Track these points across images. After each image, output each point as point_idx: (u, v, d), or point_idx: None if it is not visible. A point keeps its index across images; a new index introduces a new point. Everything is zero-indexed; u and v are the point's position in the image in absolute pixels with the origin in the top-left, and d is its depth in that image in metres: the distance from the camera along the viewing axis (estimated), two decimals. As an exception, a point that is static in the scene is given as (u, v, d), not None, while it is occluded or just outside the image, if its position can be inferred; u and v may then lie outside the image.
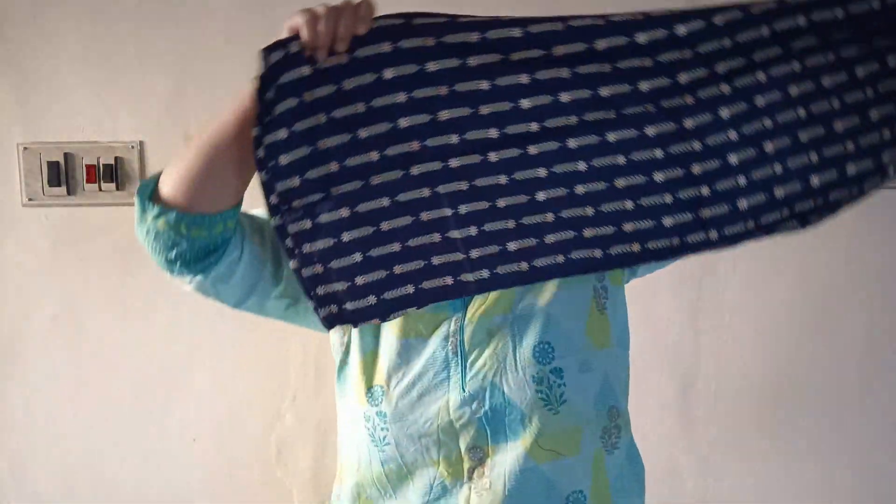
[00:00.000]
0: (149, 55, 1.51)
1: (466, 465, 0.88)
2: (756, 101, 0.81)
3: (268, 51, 0.77)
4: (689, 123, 0.81)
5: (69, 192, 1.54)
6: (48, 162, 1.52)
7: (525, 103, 0.79)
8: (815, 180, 0.84)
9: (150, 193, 0.82)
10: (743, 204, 0.84)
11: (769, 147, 0.83)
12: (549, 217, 0.82)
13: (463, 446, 0.88)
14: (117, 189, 1.53)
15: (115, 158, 1.53)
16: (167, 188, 0.81)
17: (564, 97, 0.79)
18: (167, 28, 1.51)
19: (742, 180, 0.83)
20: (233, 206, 0.83)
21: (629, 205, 0.82)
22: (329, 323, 0.85)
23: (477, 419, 0.87)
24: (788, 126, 0.83)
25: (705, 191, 0.83)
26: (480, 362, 0.88)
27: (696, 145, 0.82)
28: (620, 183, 0.82)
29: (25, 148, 1.53)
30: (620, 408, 0.95)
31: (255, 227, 0.89)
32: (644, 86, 0.79)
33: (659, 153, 0.82)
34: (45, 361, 1.58)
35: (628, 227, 0.83)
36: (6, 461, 1.61)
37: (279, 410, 1.58)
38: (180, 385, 1.58)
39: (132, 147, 1.53)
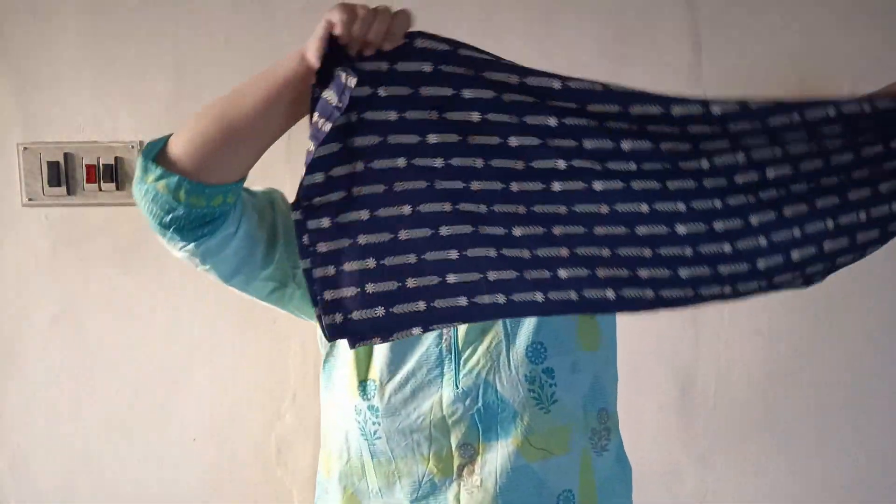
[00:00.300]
0: (149, 55, 1.51)
1: (456, 463, 0.89)
2: (768, 174, 0.86)
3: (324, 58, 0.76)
4: (708, 183, 0.85)
5: (69, 192, 1.54)
6: (48, 162, 1.52)
7: (554, 142, 0.82)
8: (828, 245, 0.89)
9: (156, 155, 0.79)
10: (762, 264, 0.87)
11: (788, 212, 0.87)
12: (565, 252, 0.83)
13: (454, 443, 0.89)
14: (117, 189, 1.53)
15: (115, 158, 1.53)
16: (176, 150, 0.78)
17: (588, 144, 0.82)
18: (167, 28, 1.51)
19: (763, 241, 0.87)
20: (237, 180, 0.81)
21: (647, 252, 0.85)
22: (331, 333, 0.82)
23: (470, 416, 0.88)
24: (805, 194, 0.88)
25: (727, 248, 0.86)
26: (474, 360, 0.89)
27: (718, 203, 0.86)
28: (641, 230, 0.84)
29: (25, 148, 1.53)
30: (610, 410, 0.97)
31: (255, 205, 0.87)
32: (665, 146, 0.83)
33: (682, 206, 0.85)
34: (45, 361, 1.59)
35: (643, 273, 0.85)
36: (6, 461, 1.61)
37: (279, 410, 1.58)
38: (180, 385, 1.58)
39: (132, 147, 1.53)
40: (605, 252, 0.84)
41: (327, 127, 0.75)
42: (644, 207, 0.84)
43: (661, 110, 0.81)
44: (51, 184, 1.52)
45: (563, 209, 0.83)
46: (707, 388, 1.58)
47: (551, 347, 0.90)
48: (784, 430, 1.57)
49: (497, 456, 0.88)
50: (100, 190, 1.53)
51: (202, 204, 0.78)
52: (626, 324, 1.53)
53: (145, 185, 0.78)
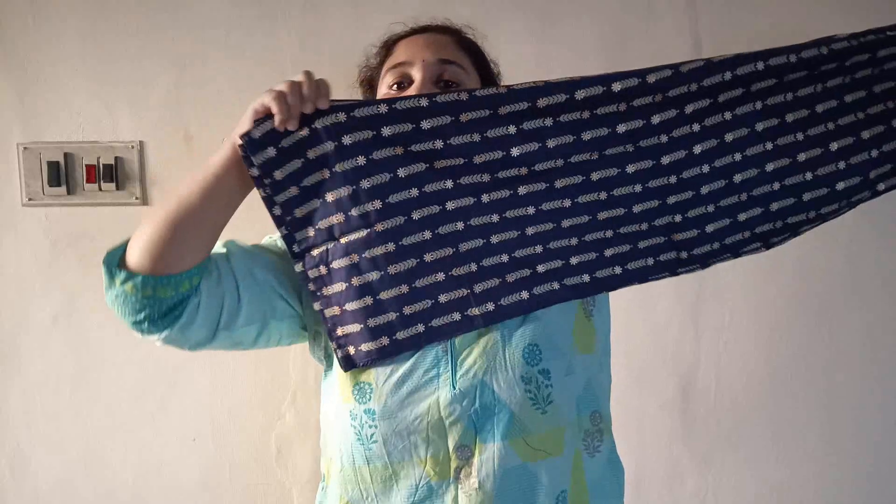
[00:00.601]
0: (149, 55, 1.51)
1: (454, 465, 0.89)
2: (726, 138, 0.91)
3: (249, 133, 0.83)
4: (665, 160, 0.90)
5: (69, 192, 1.54)
6: (48, 162, 1.52)
7: (514, 151, 0.87)
8: (774, 206, 0.94)
9: (118, 260, 0.85)
10: (709, 228, 0.94)
11: (738, 178, 0.93)
12: (539, 249, 0.90)
13: (451, 444, 0.88)
14: (117, 189, 1.53)
15: (115, 158, 1.53)
16: (135, 253, 0.84)
17: (550, 143, 0.87)
18: (167, 28, 1.51)
19: (711, 208, 0.93)
20: (196, 265, 0.86)
21: (609, 234, 0.91)
22: (346, 365, 0.90)
23: (467, 417, 0.88)
24: (757, 157, 0.93)
25: (678, 218, 0.93)
26: (470, 360, 0.89)
27: (673, 179, 0.91)
28: (603, 215, 0.91)
29: (25, 148, 1.53)
30: (603, 413, 0.97)
31: (211, 263, 0.90)
32: (621, 128, 0.88)
33: (639, 188, 0.91)
34: (45, 361, 1.59)
35: (609, 252, 0.92)
36: (6, 461, 1.61)
37: (279, 410, 1.58)
38: (180, 385, 1.58)
39: (132, 147, 1.53)
40: (574, 241, 0.91)
41: (277, 210, 0.86)
42: (603, 195, 0.90)
43: (603, 89, 0.85)
44: (51, 184, 1.52)
45: (531, 209, 0.89)
46: (707, 388, 1.58)
47: (546, 350, 0.90)
48: (784, 431, 1.57)
49: (494, 457, 0.87)
50: (100, 190, 1.53)
51: (171, 294, 0.84)
52: (627, 324, 1.54)
53: (115, 290, 0.84)
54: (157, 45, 1.51)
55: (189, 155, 1.53)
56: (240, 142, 0.83)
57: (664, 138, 0.89)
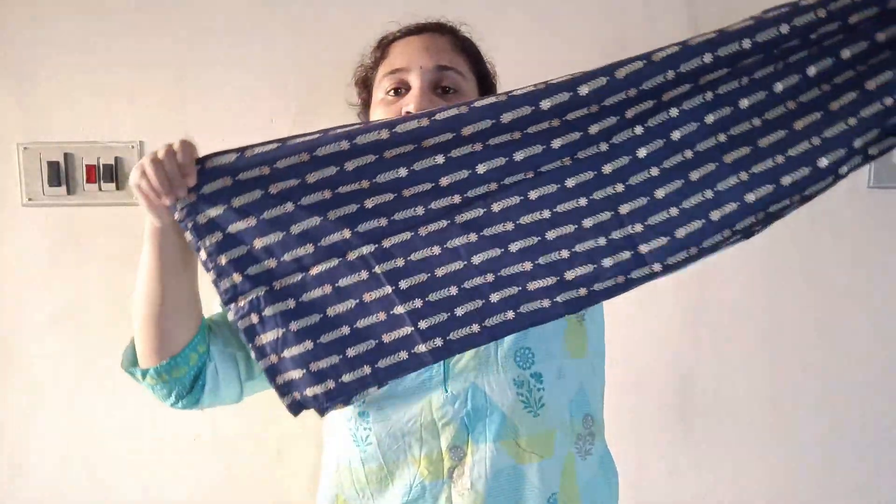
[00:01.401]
0: (149, 55, 1.51)
1: (447, 465, 0.89)
2: (672, 136, 0.86)
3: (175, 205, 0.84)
4: (607, 169, 0.86)
5: (69, 192, 1.54)
6: (48, 162, 1.52)
7: (444, 181, 0.85)
8: (749, 197, 0.88)
9: (132, 361, 0.91)
10: (680, 233, 0.88)
11: (695, 175, 0.87)
12: (490, 277, 0.86)
13: (444, 445, 0.89)
14: (117, 189, 1.53)
15: (115, 158, 1.53)
16: (139, 352, 0.90)
17: (481, 168, 0.84)
18: (167, 28, 1.51)
19: (674, 211, 0.88)
20: (193, 335, 0.89)
21: (565, 254, 0.87)
22: (294, 410, 0.89)
23: (459, 418, 0.88)
24: (712, 151, 0.87)
25: (638, 228, 0.87)
26: (462, 363, 0.89)
27: (620, 187, 0.86)
28: (551, 235, 0.87)
29: (25, 148, 1.53)
30: (595, 416, 0.96)
31: (214, 328, 0.93)
32: (556, 143, 0.84)
33: (583, 201, 0.86)
34: (45, 361, 1.59)
35: (569, 275, 0.87)
36: (6, 461, 1.61)
37: (279, 410, 1.57)
38: (180, 385, 1.58)
39: (132, 147, 1.53)
40: (528, 266, 0.87)
41: (203, 255, 0.85)
42: (546, 213, 0.86)
43: (532, 108, 0.82)
44: (51, 184, 1.52)
45: (473, 237, 0.86)
46: (707, 388, 1.58)
47: (539, 353, 0.90)
48: (784, 431, 1.57)
49: (486, 458, 0.88)
50: (100, 190, 1.53)
51: (185, 371, 0.89)
52: (627, 325, 1.54)
53: (143, 385, 0.92)
54: (156, 46, 1.51)
55: (189, 155, 1.53)
56: (157, 223, 0.84)
57: (604, 146, 0.85)
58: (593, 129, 0.84)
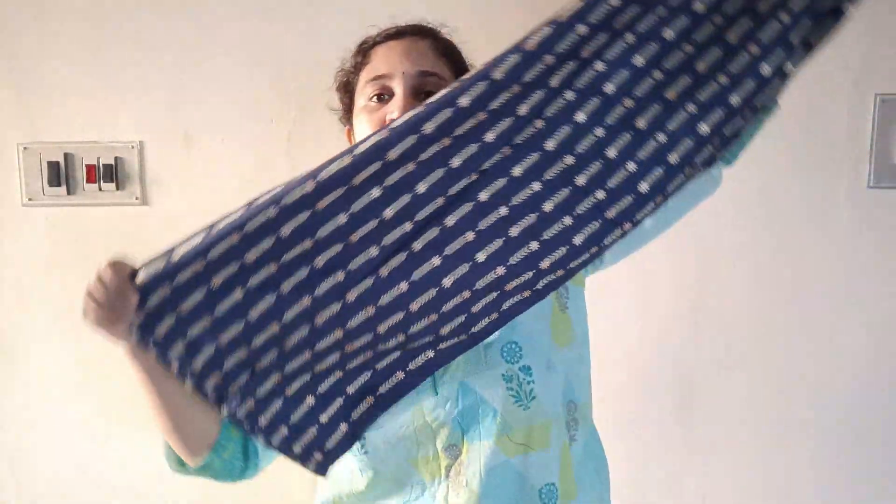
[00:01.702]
0: (149, 55, 1.51)
1: (444, 463, 0.90)
2: (606, 89, 0.80)
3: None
4: (550, 145, 0.81)
5: (69, 192, 1.54)
6: (48, 162, 1.52)
7: (388, 213, 0.79)
8: (703, 128, 0.83)
9: (178, 460, 0.92)
10: (643, 187, 0.84)
11: (641, 123, 0.82)
12: (466, 294, 0.84)
13: (440, 445, 0.90)
14: (117, 189, 1.53)
15: (115, 158, 1.53)
16: (179, 454, 0.91)
17: (421, 187, 0.79)
18: (167, 28, 1.51)
19: (631, 166, 0.83)
20: (223, 420, 0.88)
21: (535, 246, 0.84)
22: (322, 470, 0.88)
23: (452, 419, 0.89)
24: (652, 92, 0.82)
25: (600, 195, 0.83)
26: (451, 364, 0.89)
27: (569, 160, 0.82)
28: (514, 231, 0.83)
29: (25, 148, 1.53)
30: (578, 401, 0.97)
31: None
32: (489, 136, 0.79)
33: (537, 186, 0.82)
34: (45, 361, 1.59)
35: (545, 263, 0.85)
36: (6, 461, 1.61)
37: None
38: (180, 385, 1.58)
39: (132, 147, 1.53)
40: (501, 270, 0.84)
41: (175, 368, 0.80)
42: (504, 211, 0.82)
43: (452, 110, 0.77)
44: (51, 184, 1.52)
45: (437, 260, 0.82)
46: (707, 388, 1.57)
47: (525, 346, 0.90)
48: (785, 431, 1.57)
49: (480, 455, 0.88)
50: (100, 190, 1.53)
51: (232, 450, 0.90)
52: (627, 325, 1.54)
53: (203, 477, 0.94)
54: (156, 45, 1.51)
55: (189, 155, 1.53)
56: (127, 343, 0.82)
57: (539, 123, 0.79)
58: (522, 109, 0.78)
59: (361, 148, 0.77)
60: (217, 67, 1.51)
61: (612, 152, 0.82)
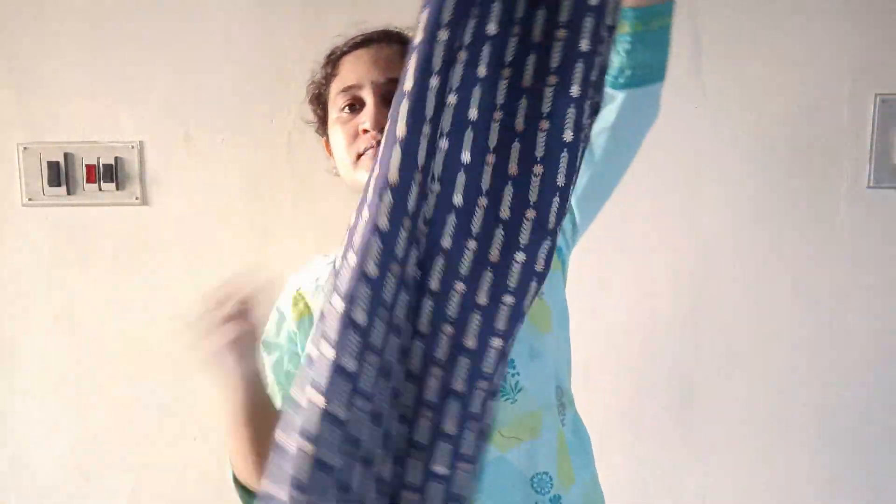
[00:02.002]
0: (149, 55, 1.51)
1: None
2: (471, 117, 0.74)
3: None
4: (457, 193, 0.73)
5: (69, 192, 1.54)
6: (48, 162, 1.52)
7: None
8: (574, 90, 0.74)
9: (251, 494, 0.90)
10: (561, 180, 0.75)
11: (519, 124, 0.75)
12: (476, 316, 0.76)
13: None
14: (117, 189, 1.53)
15: (115, 158, 1.53)
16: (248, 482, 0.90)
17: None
18: (167, 28, 1.51)
19: (538, 169, 0.75)
20: None
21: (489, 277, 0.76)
22: None
23: None
24: (511, 88, 0.75)
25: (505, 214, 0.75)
26: None
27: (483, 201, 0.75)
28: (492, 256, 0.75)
29: (25, 148, 1.53)
30: (563, 386, 0.97)
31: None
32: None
33: (483, 201, 0.74)
34: (45, 361, 1.59)
35: (518, 257, 0.76)
36: (6, 461, 1.61)
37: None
38: (180, 384, 1.58)
39: (132, 147, 1.53)
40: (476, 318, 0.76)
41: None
42: (447, 243, 0.73)
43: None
44: (51, 184, 1.52)
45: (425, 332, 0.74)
46: (707, 388, 1.57)
47: None
48: (785, 431, 1.57)
49: None
50: (100, 190, 1.53)
51: None
52: (627, 325, 1.54)
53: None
54: (157, 45, 1.51)
55: (189, 155, 1.53)
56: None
57: (435, 187, 0.73)
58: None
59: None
60: (217, 67, 1.51)
61: (513, 168, 0.74)
